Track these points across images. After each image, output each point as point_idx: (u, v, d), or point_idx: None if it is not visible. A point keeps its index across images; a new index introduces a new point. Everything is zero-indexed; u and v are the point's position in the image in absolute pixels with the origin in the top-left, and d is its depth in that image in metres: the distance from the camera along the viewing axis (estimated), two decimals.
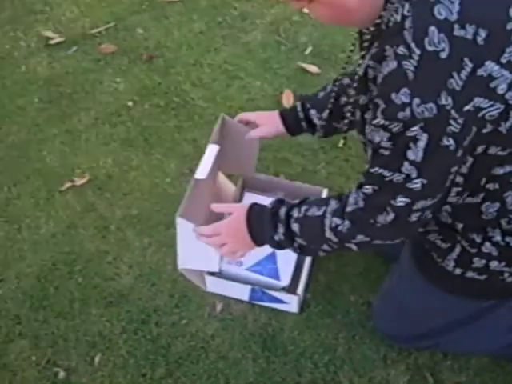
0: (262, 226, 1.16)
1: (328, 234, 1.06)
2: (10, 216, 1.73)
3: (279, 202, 1.17)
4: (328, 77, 2.05)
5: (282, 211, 1.13)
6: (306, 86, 2.02)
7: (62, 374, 1.42)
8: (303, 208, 1.11)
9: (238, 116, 1.49)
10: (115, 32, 2.26)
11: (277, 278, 1.47)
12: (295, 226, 1.11)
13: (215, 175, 1.54)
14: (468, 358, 1.41)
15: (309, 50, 2.15)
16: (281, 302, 1.46)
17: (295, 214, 1.12)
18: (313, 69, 2.08)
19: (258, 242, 1.20)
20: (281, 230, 1.13)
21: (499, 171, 0.95)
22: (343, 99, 1.32)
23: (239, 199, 1.64)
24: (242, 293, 1.48)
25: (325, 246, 1.09)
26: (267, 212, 1.16)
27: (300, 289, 1.43)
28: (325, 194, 1.61)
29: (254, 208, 1.19)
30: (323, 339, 1.46)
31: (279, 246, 1.17)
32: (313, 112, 1.37)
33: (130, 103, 2.02)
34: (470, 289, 1.13)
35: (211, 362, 1.44)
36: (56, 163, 1.85)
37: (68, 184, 1.79)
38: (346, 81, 1.31)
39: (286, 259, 1.49)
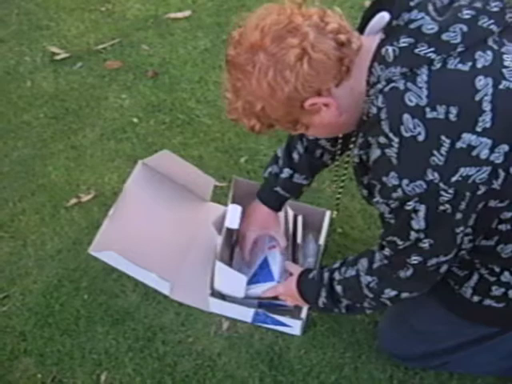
0: (308, 292, 1.30)
1: (365, 291, 1.14)
2: (15, 232, 1.73)
3: (322, 267, 1.30)
4: None
5: (326, 276, 1.24)
6: None
7: None
8: (343, 269, 1.20)
9: (245, 254, 1.51)
10: (120, 48, 2.27)
11: (271, 279, 1.45)
12: (339, 288, 1.20)
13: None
14: (474, 378, 1.42)
15: None
16: (284, 325, 1.46)
17: (337, 276, 1.20)
18: None
19: (310, 303, 1.34)
20: (323, 293, 1.23)
21: (507, 215, 0.98)
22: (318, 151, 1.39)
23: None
24: (246, 315, 1.48)
25: (366, 304, 1.19)
26: (311, 279, 1.29)
27: (304, 313, 1.43)
28: (328, 215, 1.61)
29: (302, 274, 1.33)
30: (329, 358, 1.46)
31: (326, 309, 1.27)
32: (297, 176, 1.41)
33: (136, 119, 2.02)
34: (488, 316, 1.14)
35: (218, 380, 1.43)
36: (61, 179, 1.86)
37: (73, 200, 1.79)
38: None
39: (276, 259, 1.49)
